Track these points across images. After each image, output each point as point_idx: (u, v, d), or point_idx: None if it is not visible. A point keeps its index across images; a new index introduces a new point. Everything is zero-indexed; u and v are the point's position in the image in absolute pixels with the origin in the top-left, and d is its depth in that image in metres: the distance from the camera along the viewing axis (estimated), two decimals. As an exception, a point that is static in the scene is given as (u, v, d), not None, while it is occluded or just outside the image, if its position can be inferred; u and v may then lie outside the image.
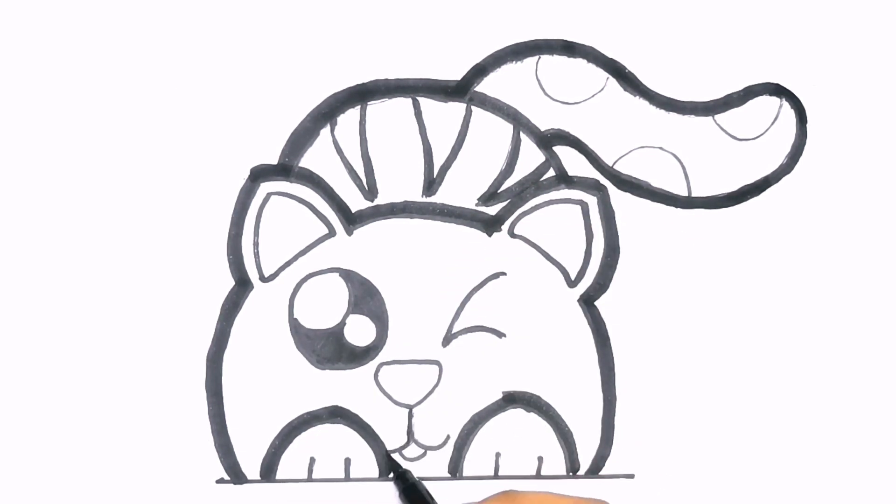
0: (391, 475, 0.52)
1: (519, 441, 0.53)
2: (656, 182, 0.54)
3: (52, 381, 0.52)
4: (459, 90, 0.54)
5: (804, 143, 0.55)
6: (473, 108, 0.54)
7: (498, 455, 0.53)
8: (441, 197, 0.53)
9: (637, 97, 0.54)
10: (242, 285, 0.53)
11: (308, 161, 0.53)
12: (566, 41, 0.54)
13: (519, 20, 0.54)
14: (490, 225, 0.53)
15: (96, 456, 0.52)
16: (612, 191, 0.54)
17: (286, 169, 0.53)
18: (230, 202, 0.53)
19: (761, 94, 0.55)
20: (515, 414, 0.53)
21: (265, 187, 0.53)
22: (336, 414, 0.53)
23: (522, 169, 0.54)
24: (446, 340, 0.53)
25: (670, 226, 0.54)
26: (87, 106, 0.53)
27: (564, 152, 0.54)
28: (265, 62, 0.53)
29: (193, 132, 0.53)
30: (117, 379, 0.52)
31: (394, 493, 0.52)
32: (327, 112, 0.53)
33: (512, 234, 0.54)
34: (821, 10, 0.55)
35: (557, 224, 0.54)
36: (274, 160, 0.53)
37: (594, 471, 0.53)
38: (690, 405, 0.53)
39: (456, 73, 0.54)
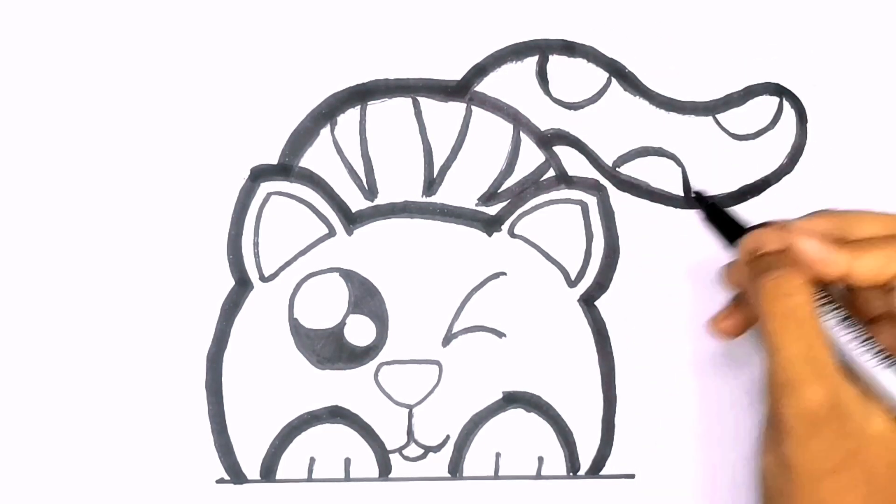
0: (693, 196, 0.52)
1: (519, 441, 0.53)
2: (656, 182, 0.54)
3: (52, 381, 0.52)
4: (459, 90, 0.54)
5: (804, 143, 0.55)
6: (473, 108, 0.54)
7: (498, 455, 0.53)
8: (441, 197, 0.53)
9: (637, 97, 0.54)
10: (242, 285, 0.53)
11: (308, 161, 0.53)
12: (566, 41, 0.54)
13: (519, 20, 0.54)
14: (490, 225, 0.53)
15: (96, 456, 0.52)
16: (612, 191, 0.54)
17: (286, 169, 0.53)
18: (230, 202, 0.53)
19: (761, 94, 0.55)
20: (515, 414, 0.53)
21: (265, 187, 0.53)
22: (336, 414, 0.53)
23: (522, 169, 0.54)
24: (446, 340, 0.53)
25: (670, 226, 0.54)
26: (87, 106, 0.53)
27: (564, 152, 0.54)
28: (265, 62, 0.53)
29: (193, 132, 0.53)
30: (118, 379, 0.52)
31: (395, 491, 0.52)
32: (327, 112, 0.53)
33: (512, 234, 0.54)
34: (821, 11, 0.55)
35: (557, 224, 0.54)
36: (274, 160, 0.53)
37: (594, 471, 0.53)
38: (690, 405, 0.53)
39: (456, 73, 0.54)
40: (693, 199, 0.52)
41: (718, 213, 0.51)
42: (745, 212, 0.54)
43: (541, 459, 0.53)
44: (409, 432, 0.53)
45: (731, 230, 0.50)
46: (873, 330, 0.47)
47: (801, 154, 0.55)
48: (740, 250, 0.48)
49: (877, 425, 0.43)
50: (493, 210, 0.54)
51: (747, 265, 0.47)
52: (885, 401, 0.43)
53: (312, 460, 0.52)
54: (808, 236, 0.45)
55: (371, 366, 0.53)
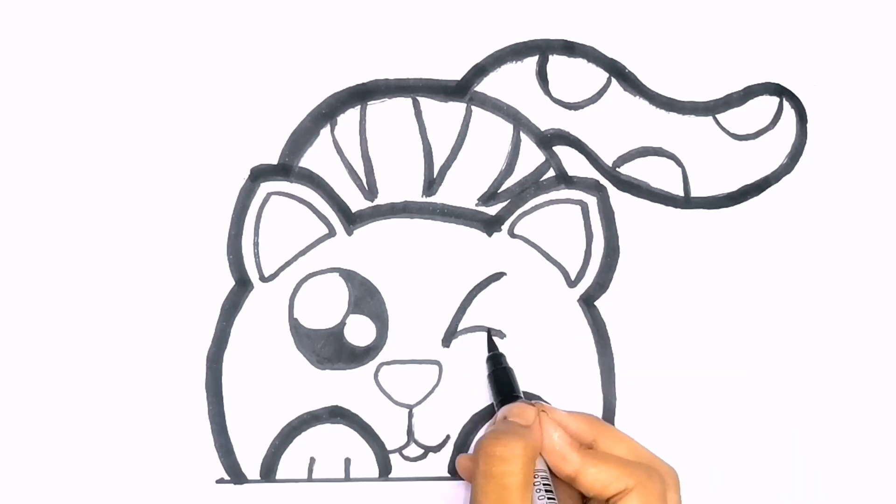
0: (486, 356, 0.52)
1: (519, 441, 0.53)
2: (656, 182, 0.54)
3: (52, 381, 0.52)
4: (459, 90, 0.54)
5: (804, 143, 0.55)
6: (473, 108, 0.54)
7: (498, 455, 0.53)
8: (441, 197, 0.53)
9: (637, 97, 0.54)
10: (242, 285, 0.53)
11: (308, 161, 0.53)
12: (566, 41, 0.54)
13: (519, 20, 0.54)
14: (490, 225, 0.53)
15: (97, 456, 0.52)
16: (612, 191, 0.54)
17: (286, 169, 0.53)
18: (230, 202, 0.53)
19: (761, 94, 0.55)
20: (515, 414, 0.53)
21: (265, 187, 0.53)
22: (336, 414, 0.53)
23: (522, 169, 0.54)
24: (446, 340, 0.53)
25: (670, 226, 0.54)
26: (87, 107, 0.53)
27: (564, 152, 0.54)
28: (265, 62, 0.53)
29: (194, 132, 0.53)
30: (118, 379, 0.52)
31: (395, 491, 0.52)
32: (327, 112, 0.53)
33: (512, 234, 0.54)
34: (821, 10, 0.55)
35: (557, 224, 0.54)
36: (274, 160, 0.53)
37: (594, 471, 0.53)
38: (690, 405, 0.53)
39: (456, 73, 0.54)
40: (488, 360, 0.52)
41: (502, 376, 0.51)
42: (746, 212, 0.54)
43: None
44: (409, 432, 0.53)
45: (505, 394, 0.50)
46: None
47: (801, 154, 0.55)
48: (499, 412, 0.48)
49: None
50: (493, 210, 0.54)
51: (492, 425, 0.47)
52: None
53: (312, 460, 0.52)
54: (557, 427, 0.46)
55: (371, 366, 0.53)
